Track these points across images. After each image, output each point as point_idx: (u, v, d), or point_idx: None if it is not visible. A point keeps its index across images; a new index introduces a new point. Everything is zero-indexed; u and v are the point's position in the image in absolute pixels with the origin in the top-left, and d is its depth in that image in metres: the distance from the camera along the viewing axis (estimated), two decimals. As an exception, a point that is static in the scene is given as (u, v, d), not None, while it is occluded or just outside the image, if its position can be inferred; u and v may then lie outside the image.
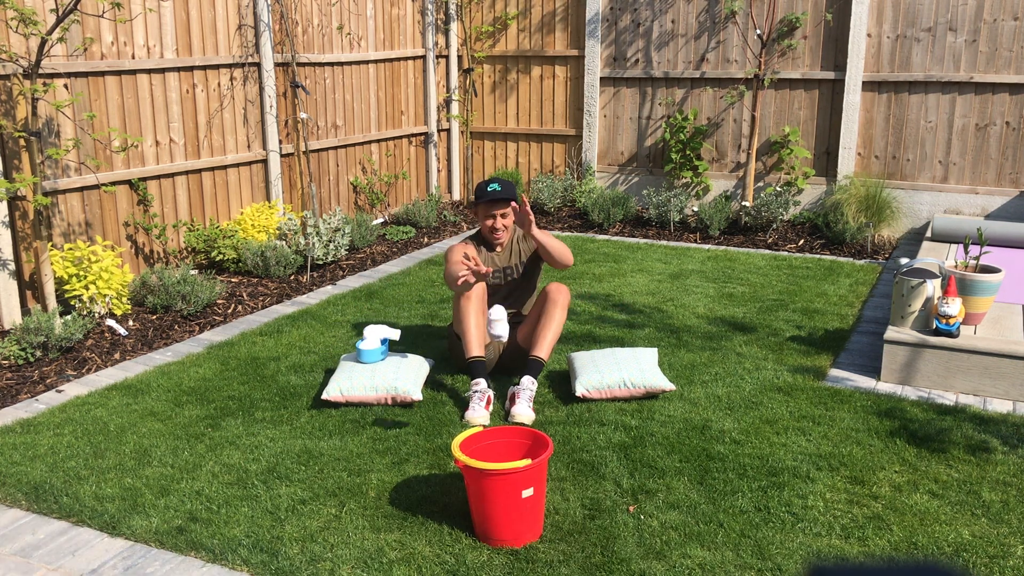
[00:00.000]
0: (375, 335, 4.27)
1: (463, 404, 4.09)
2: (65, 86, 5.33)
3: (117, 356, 4.77)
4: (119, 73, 5.65)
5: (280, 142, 6.85)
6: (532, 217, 4.08)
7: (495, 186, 4.25)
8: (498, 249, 4.44)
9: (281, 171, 6.86)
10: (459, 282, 3.91)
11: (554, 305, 4.19)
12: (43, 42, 4.74)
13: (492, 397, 4.05)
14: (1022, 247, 6.38)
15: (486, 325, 4.10)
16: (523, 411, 3.92)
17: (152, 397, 4.23)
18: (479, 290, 4.20)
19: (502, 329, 3.97)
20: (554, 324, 4.18)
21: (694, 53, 7.87)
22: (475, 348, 4.14)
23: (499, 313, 4.00)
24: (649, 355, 4.31)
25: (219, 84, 6.32)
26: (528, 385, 4.04)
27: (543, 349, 4.15)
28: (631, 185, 8.34)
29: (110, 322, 5.12)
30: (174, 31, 5.95)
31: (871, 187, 7.13)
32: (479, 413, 3.90)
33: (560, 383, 4.37)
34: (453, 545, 2.99)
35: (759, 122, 7.59)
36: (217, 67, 6.29)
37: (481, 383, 4.03)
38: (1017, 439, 3.75)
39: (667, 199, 7.66)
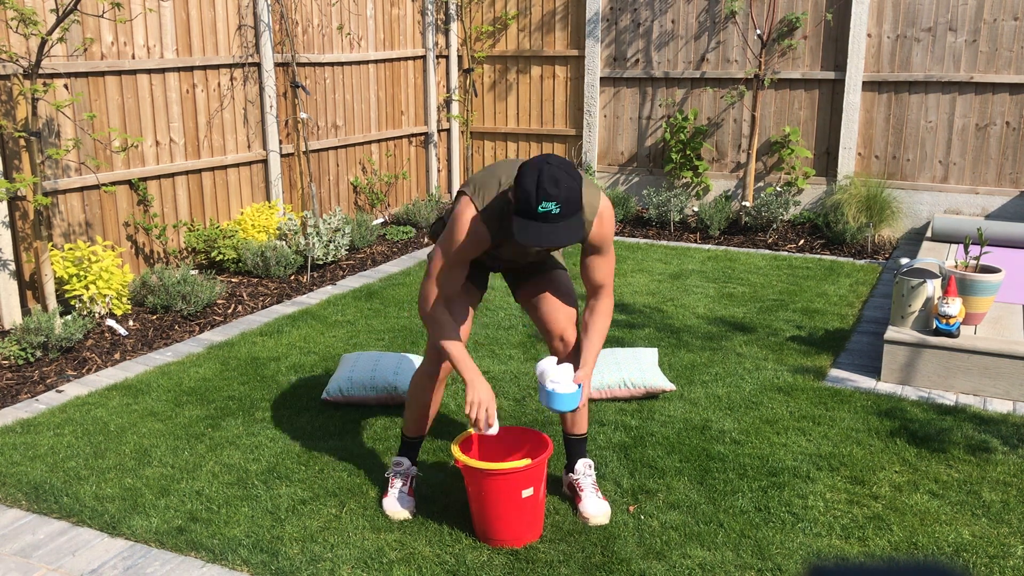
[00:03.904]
0: (566, 376, 2.87)
1: (463, 403, 4.08)
2: (65, 86, 5.33)
3: (117, 356, 4.77)
4: (119, 73, 5.65)
5: (280, 142, 6.85)
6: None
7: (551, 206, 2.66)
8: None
9: (281, 171, 6.86)
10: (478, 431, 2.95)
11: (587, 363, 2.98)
12: (43, 42, 4.74)
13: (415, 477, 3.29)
14: (1022, 247, 6.38)
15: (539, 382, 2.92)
16: (595, 507, 3.12)
17: (152, 397, 4.24)
18: (457, 349, 2.94)
19: (560, 400, 2.84)
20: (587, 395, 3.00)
21: (694, 53, 7.86)
22: (423, 428, 3.26)
23: (562, 374, 2.85)
24: (649, 355, 4.31)
25: (219, 84, 6.32)
26: (585, 471, 3.21)
27: (582, 425, 3.25)
28: (631, 185, 8.33)
29: (110, 322, 5.12)
30: (174, 31, 5.95)
31: (871, 187, 7.12)
32: (404, 506, 3.15)
33: (560, 383, 4.37)
34: (453, 545, 2.99)
35: (759, 122, 7.59)
36: (217, 67, 6.29)
37: (405, 462, 3.26)
38: (1017, 439, 3.75)
39: (667, 199, 7.66)
